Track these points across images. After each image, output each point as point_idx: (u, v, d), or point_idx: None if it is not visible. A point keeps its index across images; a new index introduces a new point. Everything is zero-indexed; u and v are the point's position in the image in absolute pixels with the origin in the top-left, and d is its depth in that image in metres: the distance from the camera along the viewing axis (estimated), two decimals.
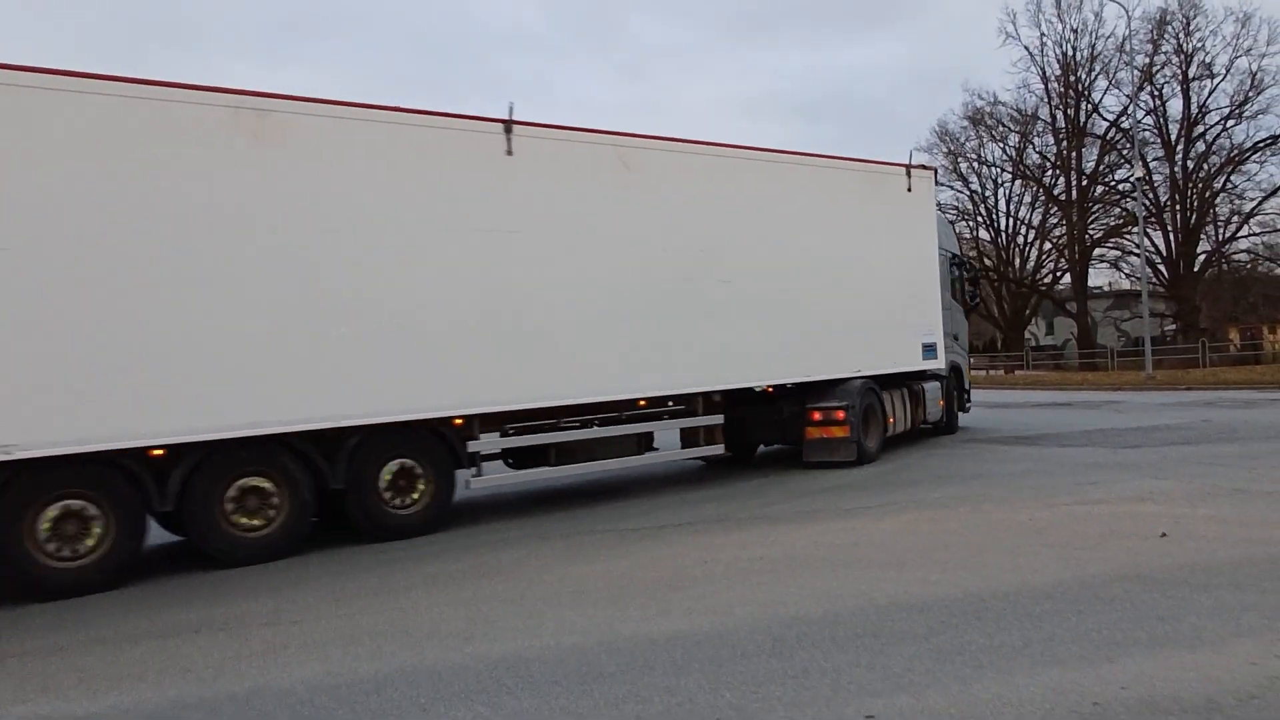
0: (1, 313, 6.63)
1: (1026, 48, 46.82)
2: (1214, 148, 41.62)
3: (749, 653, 4.64)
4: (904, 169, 13.40)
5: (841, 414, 11.67)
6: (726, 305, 10.65)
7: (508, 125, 9.02)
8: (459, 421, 8.88)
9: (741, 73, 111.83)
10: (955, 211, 49.16)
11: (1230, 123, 40.72)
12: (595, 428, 9.91)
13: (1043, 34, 45.04)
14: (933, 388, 14.27)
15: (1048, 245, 48.33)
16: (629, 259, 9.90)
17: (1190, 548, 6.30)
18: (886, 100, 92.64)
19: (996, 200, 48.87)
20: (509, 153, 9.02)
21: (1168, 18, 40.47)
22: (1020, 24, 53.79)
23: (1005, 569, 6.00)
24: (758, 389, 11.69)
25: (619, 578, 6.56)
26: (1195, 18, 40.23)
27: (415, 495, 8.71)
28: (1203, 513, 7.49)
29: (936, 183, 14.91)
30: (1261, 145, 40.10)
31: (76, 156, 6.98)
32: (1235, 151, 40.81)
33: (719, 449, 11.22)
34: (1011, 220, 49.04)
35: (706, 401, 10.93)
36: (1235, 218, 42.23)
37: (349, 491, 8.30)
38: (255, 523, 7.88)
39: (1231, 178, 41.44)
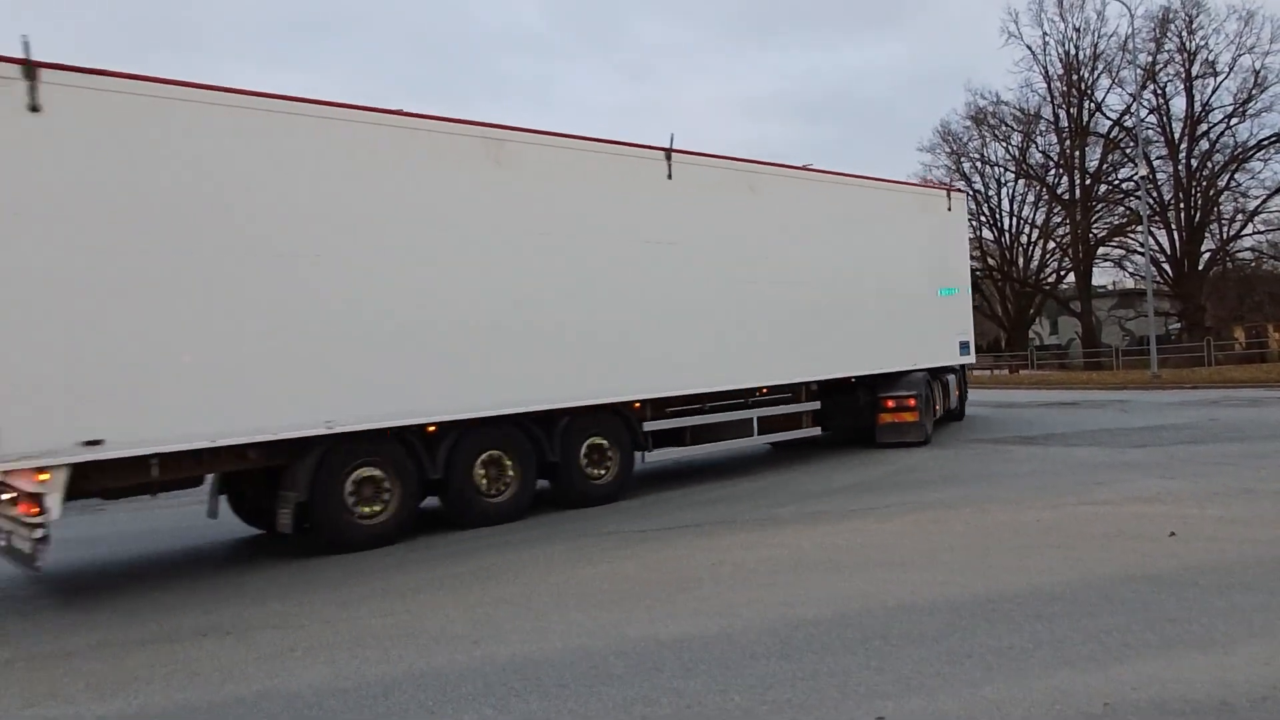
0: (323, 316, 8.01)
1: (1029, 47, 46.95)
2: (1218, 146, 41.59)
3: (757, 655, 4.63)
4: (945, 191, 15.99)
5: (913, 401, 13.64)
6: (822, 307, 12.53)
7: (669, 153, 10.66)
8: (637, 405, 10.55)
9: (743, 73, 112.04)
10: None
11: (1234, 121, 40.68)
12: (733, 411, 11.64)
13: (1045, 33, 45.22)
14: (953, 380, 16.42)
15: (1051, 244, 48.26)
16: (755, 268, 11.62)
17: (1199, 548, 6.27)
18: (888, 100, 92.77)
19: (1000, 200, 48.84)
20: (669, 176, 10.66)
21: (1170, 16, 40.47)
22: (1023, 23, 54.08)
23: (1013, 570, 5.98)
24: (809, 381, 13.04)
25: (625, 580, 6.55)
26: (1198, 16, 40.23)
27: (607, 467, 10.33)
28: (1211, 513, 7.46)
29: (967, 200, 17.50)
30: (1265, 143, 40.02)
31: (374, 179, 8.37)
32: (1239, 149, 40.75)
33: (816, 431, 13.04)
34: (1015, 220, 48.99)
35: (806, 390, 12.74)
36: (1239, 216, 42.16)
37: (560, 464, 9.81)
38: (496, 490, 9.31)
39: (1235, 176, 41.38)
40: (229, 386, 7.44)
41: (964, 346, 15.75)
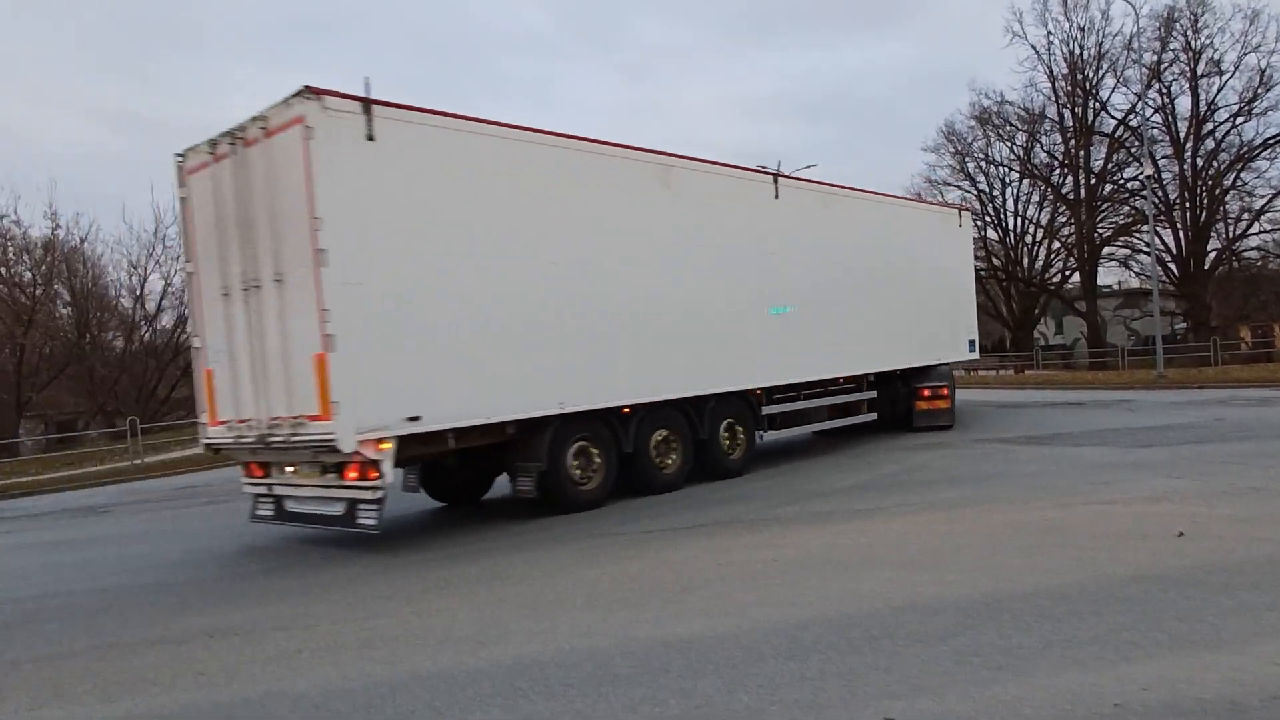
0: (558, 317, 9.57)
1: (1033, 46, 46.61)
2: (1223, 145, 41.37)
3: (765, 655, 4.62)
4: (957, 210, 18.65)
5: (946, 390, 15.94)
6: (877, 307, 14.67)
7: (775, 177, 12.86)
8: (759, 392, 12.44)
9: (743, 73, 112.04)
10: None
11: (1239, 120, 40.46)
12: (817, 399, 13.71)
13: (1050, 32, 44.91)
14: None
15: (1056, 244, 48.03)
16: (831, 273, 13.71)
17: (1208, 547, 6.24)
18: (889, 100, 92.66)
19: (1005, 200, 48.61)
20: (776, 197, 12.64)
21: (1175, 15, 40.26)
22: (1027, 23, 53.82)
23: (1021, 570, 5.95)
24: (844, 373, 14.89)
25: (632, 580, 6.54)
26: (1203, 15, 40.02)
27: (739, 444, 12.12)
28: (1219, 512, 7.42)
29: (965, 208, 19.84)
30: (1271, 142, 39.80)
31: (591, 197, 10.05)
32: (1245, 148, 40.53)
33: (873, 416, 15.13)
34: (1020, 219, 48.79)
35: (866, 381, 14.82)
36: (1245, 215, 41.95)
37: (708, 441, 11.55)
38: (665, 461, 11.04)
39: (1241, 175, 41.15)
40: (499, 376, 8.99)
41: (971, 345, 18.06)
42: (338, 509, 8.47)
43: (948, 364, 16.56)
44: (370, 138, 8.01)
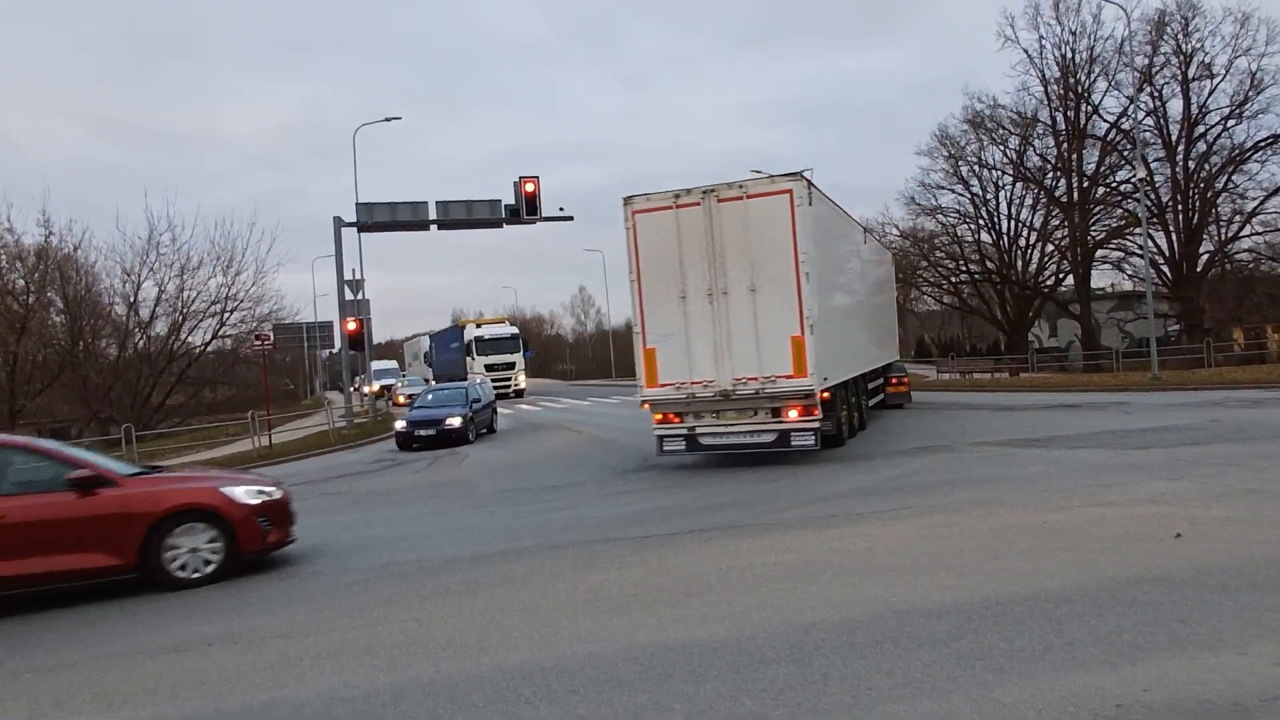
0: (841, 319, 15.15)
1: (1025, 50, 46.53)
2: (1215, 148, 41.40)
3: (768, 659, 4.62)
4: (890, 254, 29.72)
5: (906, 380, 23.56)
6: (881, 318, 21.60)
7: (866, 229, 19.94)
8: (864, 376, 17.99)
9: (744, 81, 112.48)
10: (957, 215, 49.08)
11: (1231, 122, 40.49)
12: (871, 381, 19.44)
13: (1041, 37, 44.93)
14: None
15: (1050, 247, 48.08)
16: (873, 293, 20.24)
17: (1207, 549, 6.26)
18: (889, 105, 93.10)
19: (998, 203, 48.62)
20: (864, 242, 19.18)
21: (1166, 19, 40.33)
22: (1019, 27, 53.50)
23: (1022, 572, 5.97)
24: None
25: (633, 585, 6.54)
26: (1194, 18, 40.12)
27: (862, 411, 17.34)
28: (1217, 513, 7.45)
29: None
30: (1262, 144, 39.85)
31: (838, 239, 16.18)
32: (1236, 151, 40.57)
33: (882, 396, 21.37)
34: (1013, 223, 48.73)
35: (878, 371, 20.75)
36: (1237, 217, 41.95)
37: (853, 405, 16.26)
38: (846, 414, 15.43)
39: (1233, 177, 41.16)
40: (836, 355, 13.80)
41: (898, 347, 25.85)
42: (769, 438, 12.85)
43: (899, 360, 24.45)
44: (810, 203, 12.76)
